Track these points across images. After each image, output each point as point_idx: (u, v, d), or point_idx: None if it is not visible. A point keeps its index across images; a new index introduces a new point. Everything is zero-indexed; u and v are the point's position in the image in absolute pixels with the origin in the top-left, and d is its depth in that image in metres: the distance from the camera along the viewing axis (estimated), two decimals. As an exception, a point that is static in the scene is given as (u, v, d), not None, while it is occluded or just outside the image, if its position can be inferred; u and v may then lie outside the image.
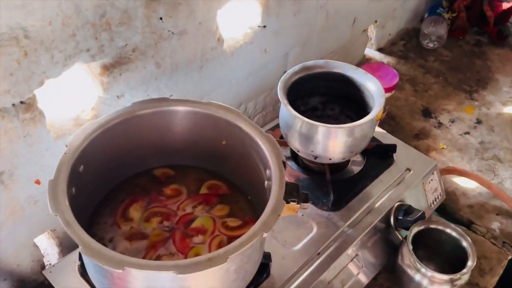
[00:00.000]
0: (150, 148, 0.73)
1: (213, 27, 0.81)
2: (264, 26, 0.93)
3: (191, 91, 0.85)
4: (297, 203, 0.62)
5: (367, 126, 0.83)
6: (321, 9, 1.06)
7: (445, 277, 0.77)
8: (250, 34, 0.92)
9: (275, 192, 0.60)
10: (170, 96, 0.81)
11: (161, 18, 0.70)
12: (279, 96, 0.81)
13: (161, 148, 0.74)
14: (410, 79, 1.35)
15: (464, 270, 0.76)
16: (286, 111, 0.82)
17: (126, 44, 0.69)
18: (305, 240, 0.80)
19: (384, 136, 1.01)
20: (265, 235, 0.55)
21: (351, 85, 0.90)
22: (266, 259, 0.74)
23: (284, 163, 0.63)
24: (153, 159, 0.76)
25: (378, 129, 1.05)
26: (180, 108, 0.69)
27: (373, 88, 0.85)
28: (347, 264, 0.79)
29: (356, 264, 0.82)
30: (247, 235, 0.55)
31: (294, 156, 0.94)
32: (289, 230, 0.81)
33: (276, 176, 0.62)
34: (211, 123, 0.71)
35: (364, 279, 0.84)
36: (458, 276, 0.76)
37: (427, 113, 1.23)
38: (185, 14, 0.73)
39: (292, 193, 0.63)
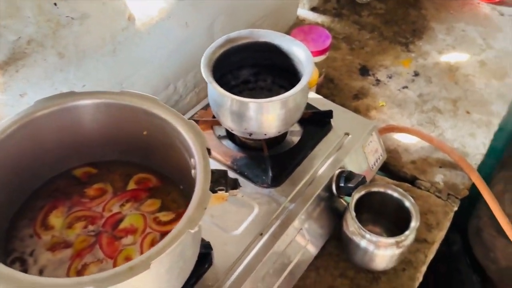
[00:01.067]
0: (64, 148, 0.67)
1: (120, 6, 0.75)
2: (180, -3, 0.87)
3: (106, 78, 0.78)
4: (226, 191, 0.59)
5: (299, 96, 0.80)
6: (245, -29, 1.00)
7: (390, 240, 0.77)
8: (166, 8, 0.85)
9: (200, 183, 0.56)
10: (83, 86, 0.75)
11: (55, 4, 0.63)
12: (203, 74, 0.77)
13: (77, 146, 0.68)
14: (346, 38, 1.32)
15: (407, 232, 0.76)
16: (214, 89, 0.78)
17: (19, 38, 0.62)
18: (246, 222, 0.77)
19: (321, 102, 0.98)
20: (192, 231, 0.52)
21: (280, 53, 0.86)
22: (207, 248, 0.71)
23: (209, 151, 0.60)
24: (70, 159, 0.70)
25: (315, 95, 1.03)
26: (88, 102, 0.63)
27: (302, 55, 0.82)
28: (291, 240, 0.78)
29: (303, 238, 0.81)
30: (171, 235, 0.51)
31: (230, 135, 0.90)
32: (229, 214, 0.78)
33: (201, 165, 0.58)
34: (128, 114, 0.65)
35: (312, 250, 0.83)
36: (403, 238, 0.76)
37: (364, 71, 1.22)
38: (83, -4, 0.66)
39: (219, 180, 0.60)
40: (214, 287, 0.70)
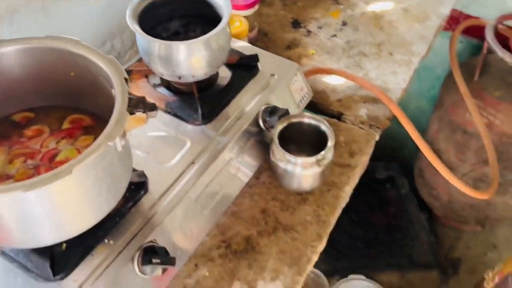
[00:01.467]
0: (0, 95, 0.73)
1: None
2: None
3: (40, 35, 0.84)
4: (143, 112, 0.66)
5: (220, 37, 0.88)
6: None
7: (311, 159, 0.86)
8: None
9: (118, 105, 0.63)
10: (15, 41, 0.81)
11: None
12: (128, 24, 0.83)
13: (11, 93, 0.75)
14: (279, -5, 1.40)
15: (323, 152, 0.85)
16: (141, 37, 0.85)
17: None
18: (179, 155, 0.85)
19: (252, 50, 1.06)
20: (110, 143, 0.59)
21: (206, 4, 0.93)
22: (141, 177, 0.79)
23: (126, 80, 0.67)
24: (7, 105, 0.76)
25: (245, 44, 1.10)
26: (14, 48, 0.69)
27: (221, 2, 0.89)
28: (222, 168, 0.86)
29: (233, 166, 0.89)
30: (90, 147, 0.58)
31: (164, 82, 0.98)
32: (164, 149, 0.87)
33: (119, 92, 0.65)
34: (55, 57, 0.72)
35: (243, 177, 0.92)
36: (321, 155, 0.85)
37: (296, 24, 1.30)
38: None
39: (138, 105, 0.67)
40: (151, 210, 0.78)
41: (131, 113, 0.64)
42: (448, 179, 1.07)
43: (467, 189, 1.13)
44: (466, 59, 1.60)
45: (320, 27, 1.30)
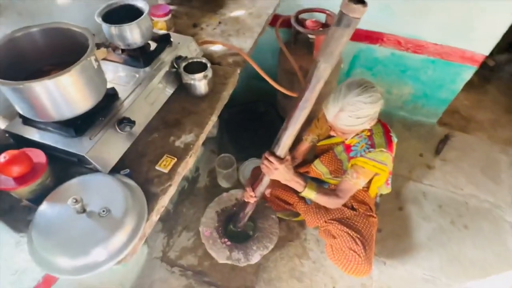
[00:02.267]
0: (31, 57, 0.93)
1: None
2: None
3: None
4: (105, 48, 0.89)
5: (144, 23, 1.10)
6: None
7: (200, 74, 1.12)
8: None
9: (90, 45, 0.86)
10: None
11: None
12: (96, 19, 1.04)
13: (40, 55, 0.93)
14: (185, 13, 1.63)
15: (206, 71, 1.11)
16: (105, 26, 1.06)
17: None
18: (132, 81, 1.09)
19: (172, 35, 1.28)
20: (89, 58, 0.82)
21: (135, 8, 1.14)
22: (113, 90, 1.02)
23: (93, 35, 0.89)
24: (39, 63, 0.94)
25: (166, 32, 1.33)
26: (36, 29, 0.89)
27: (143, 5, 1.12)
28: (155, 85, 1.10)
29: (161, 85, 1.13)
30: (78, 61, 0.81)
31: (123, 51, 1.19)
32: (124, 79, 1.09)
33: (90, 41, 0.87)
34: (60, 33, 0.92)
35: (168, 91, 1.16)
36: (206, 72, 1.12)
37: (195, 25, 1.54)
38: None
39: (100, 46, 0.90)
40: (121, 104, 1.01)
41: (97, 48, 0.88)
42: (273, 85, 1.37)
43: (284, 89, 1.42)
44: (286, 39, 1.90)
45: (207, 25, 1.56)
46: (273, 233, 1.48)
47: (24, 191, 0.84)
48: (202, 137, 1.10)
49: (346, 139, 1.29)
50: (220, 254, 1.41)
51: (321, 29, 1.63)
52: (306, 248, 1.60)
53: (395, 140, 1.27)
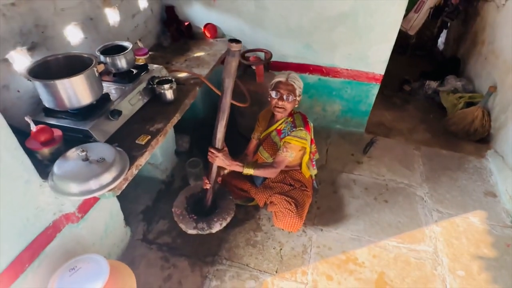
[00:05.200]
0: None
1: None
2: None
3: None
4: (99, 64, 1.39)
5: (128, 54, 1.63)
6: None
7: (168, 85, 1.61)
8: None
9: (93, 63, 1.36)
10: None
11: None
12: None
13: (59, 73, 1.43)
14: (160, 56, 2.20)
15: (170, 83, 1.61)
16: (103, 57, 1.58)
17: None
18: (120, 91, 1.57)
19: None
20: (92, 69, 1.31)
21: (122, 46, 1.69)
22: (107, 95, 1.49)
23: (96, 58, 1.40)
24: (60, 75, 1.43)
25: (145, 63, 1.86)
26: (59, 56, 1.40)
27: (127, 45, 1.66)
28: (136, 94, 1.59)
29: (141, 95, 1.62)
30: (86, 71, 1.30)
31: (114, 72, 1.69)
32: (115, 90, 1.57)
33: (94, 61, 1.38)
34: (73, 57, 1.43)
35: (145, 99, 1.64)
36: (171, 84, 1.61)
37: (167, 63, 2.10)
38: None
39: (99, 64, 1.40)
40: (113, 102, 1.47)
41: (98, 64, 1.38)
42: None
43: (237, 102, 1.94)
44: (239, 73, 2.49)
45: (176, 62, 2.12)
46: (230, 208, 1.85)
47: (47, 152, 1.25)
48: (169, 125, 1.56)
49: (280, 117, 1.77)
50: (188, 225, 1.76)
51: (258, 61, 2.23)
52: (260, 224, 1.97)
53: (311, 124, 1.78)
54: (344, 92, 2.54)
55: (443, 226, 1.96)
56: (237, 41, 1.27)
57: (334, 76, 2.47)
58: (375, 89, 2.47)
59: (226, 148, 1.59)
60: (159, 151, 2.12)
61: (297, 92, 1.69)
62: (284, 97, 1.67)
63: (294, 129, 1.70)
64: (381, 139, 2.65)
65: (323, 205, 2.09)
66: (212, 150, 1.55)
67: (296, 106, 1.74)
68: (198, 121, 2.61)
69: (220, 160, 1.56)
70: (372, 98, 2.52)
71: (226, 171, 1.85)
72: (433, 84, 3.23)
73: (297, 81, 1.68)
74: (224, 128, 1.49)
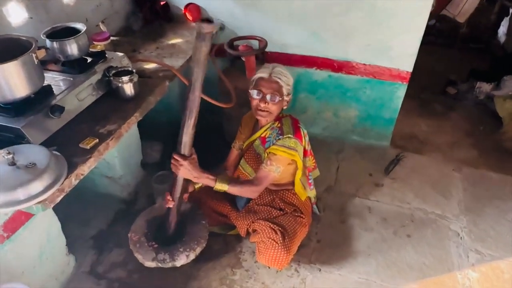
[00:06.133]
0: None
1: None
2: None
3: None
4: (39, 49, 1.51)
5: (81, 39, 1.75)
6: None
7: (126, 77, 1.72)
8: None
9: (32, 47, 1.48)
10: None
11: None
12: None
13: None
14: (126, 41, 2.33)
15: (131, 75, 1.72)
16: (49, 42, 1.71)
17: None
18: (67, 82, 1.68)
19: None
20: (29, 55, 1.43)
21: (75, 29, 1.81)
22: (50, 87, 1.60)
23: (37, 41, 1.52)
24: None
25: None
26: None
27: (80, 28, 1.79)
28: (87, 86, 1.69)
29: (93, 88, 1.73)
30: (24, 55, 1.42)
31: (62, 61, 1.81)
32: (61, 81, 1.69)
33: (34, 45, 1.50)
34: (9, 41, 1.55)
35: (100, 92, 1.75)
36: (131, 76, 1.72)
37: (134, 50, 2.22)
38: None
39: (40, 48, 1.52)
40: (54, 99, 1.58)
41: (38, 49, 1.49)
42: (204, 98, 1.98)
43: (218, 103, 2.02)
44: (225, 67, 2.58)
45: (145, 50, 2.24)
46: (202, 236, 1.91)
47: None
48: (125, 127, 1.65)
49: (265, 124, 1.84)
50: (146, 256, 1.82)
51: (249, 51, 2.32)
52: (240, 259, 2.01)
53: (304, 130, 1.84)
54: (362, 93, 2.60)
55: (482, 271, 1.96)
56: (209, 21, 1.36)
57: (348, 72, 2.54)
58: (401, 91, 2.52)
59: (194, 156, 1.66)
60: (118, 161, 2.21)
61: (284, 91, 1.76)
62: (268, 97, 1.75)
63: (280, 136, 1.76)
64: (410, 156, 2.68)
65: (325, 237, 2.12)
66: (176, 157, 1.62)
67: (285, 107, 1.81)
68: (174, 126, 2.70)
69: (186, 171, 1.63)
70: (398, 102, 2.57)
71: (197, 186, 1.91)
72: (486, 87, 3.26)
73: (284, 76, 1.76)
74: (192, 130, 1.57)
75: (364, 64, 2.48)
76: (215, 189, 1.71)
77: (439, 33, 4.22)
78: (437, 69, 3.75)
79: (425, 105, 3.28)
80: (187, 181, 1.74)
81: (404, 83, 2.48)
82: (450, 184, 2.48)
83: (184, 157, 1.62)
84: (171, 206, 1.79)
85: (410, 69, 2.42)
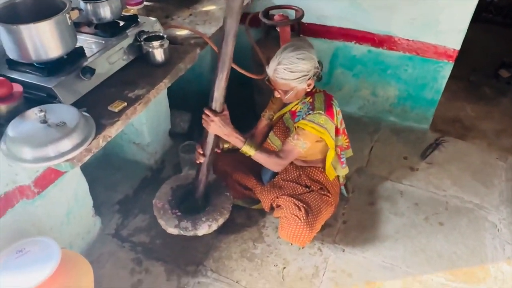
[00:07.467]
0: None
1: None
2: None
3: None
4: (73, 10, 1.58)
5: (114, 2, 1.81)
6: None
7: (157, 42, 1.76)
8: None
9: (67, 7, 1.55)
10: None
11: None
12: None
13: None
14: (157, 6, 2.37)
15: (161, 41, 1.77)
16: (83, 4, 1.78)
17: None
18: (102, 43, 1.75)
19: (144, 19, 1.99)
20: (64, 15, 1.50)
21: None
22: (82, 49, 1.68)
23: (70, 1, 1.59)
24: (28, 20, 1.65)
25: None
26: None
27: (115, -11, 1.84)
28: (119, 49, 1.76)
29: (124, 52, 1.79)
30: (58, 15, 1.49)
31: (97, 25, 1.89)
32: (96, 43, 1.76)
33: (68, 5, 1.57)
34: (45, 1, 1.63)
35: (131, 57, 1.81)
36: (162, 41, 1.76)
37: (167, 17, 2.26)
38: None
39: (73, 9, 1.59)
40: (85, 61, 1.66)
41: (72, 10, 1.56)
42: (235, 67, 2.00)
43: (249, 73, 2.04)
44: (258, 37, 2.57)
45: (178, 17, 2.28)
46: (225, 208, 1.97)
47: (3, 109, 1.46)
48: (153, 92, 1.71)
49: (289, 102, 1.85)
50: (169, 222, 1.91)
51: (284, 21, 2.31)
52: (263, 234, 2.07)
53: (336, 108, 1.83)
54: (403, 71, 2.54)
55: (519, 266, 1.92)
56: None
57: (389, 48, 2.48)
58: (446, 70, 2.43)
59: (226, 112, 1.69)
60: (146, 128, 2.30)
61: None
62: (279, 91, 1.77)
63: (311, 112, 1.76)
64: (451, 141, 2.61)
65: (351, 218, 2.13)
66: (208, 112, 1.65)
67: (309, 89, 1.79)
68: (204, 96, 2.76)
69: (216, 127, 1.66)
70: (442, 82, 2.49)
71: (226, 146, 1.95)
72: (545, 71, 3.09)
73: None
74: (224, 84, 1.58)
75: (408, 40, 2.41)
76: (241, 151, 1.74)
77: (497, 10, 4.00)
78: (492, 50, 3.57)
79: (474, 88, 3.16)
80: (218, 137, 1.76)
81: (450, 61, 2.39)
82: (492, 173, 2.40)
83: (215, 112, 1.65)
84: (201, 161, 1.84)
85: (458, 47, 2.33)
